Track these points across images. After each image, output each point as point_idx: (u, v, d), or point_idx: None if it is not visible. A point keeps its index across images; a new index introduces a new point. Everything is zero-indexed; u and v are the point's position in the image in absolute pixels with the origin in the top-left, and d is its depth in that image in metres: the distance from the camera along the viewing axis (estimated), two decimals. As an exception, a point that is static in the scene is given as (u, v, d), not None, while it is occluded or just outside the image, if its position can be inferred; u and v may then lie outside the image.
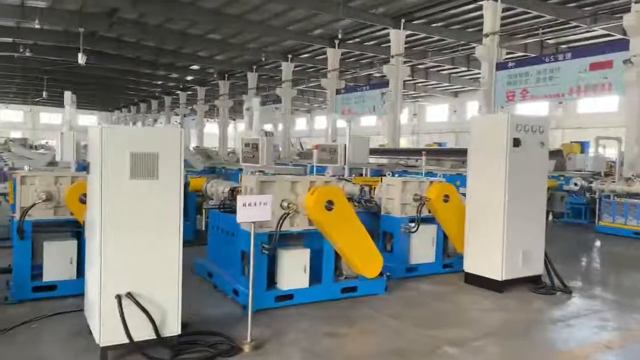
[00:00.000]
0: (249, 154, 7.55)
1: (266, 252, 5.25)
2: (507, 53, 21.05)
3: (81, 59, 24.14)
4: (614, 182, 12.07)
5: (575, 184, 12.71)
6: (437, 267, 7.23)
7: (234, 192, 6.07)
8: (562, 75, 15.95)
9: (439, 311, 5.81)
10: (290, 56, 27.54)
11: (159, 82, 39.55)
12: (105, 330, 3.98)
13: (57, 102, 49.55)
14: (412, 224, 6.84)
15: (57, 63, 29.02)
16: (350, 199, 7.72)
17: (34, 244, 5.60)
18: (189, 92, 41.15)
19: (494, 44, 17.62)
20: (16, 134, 48.79)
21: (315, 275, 5.76)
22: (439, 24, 21.32)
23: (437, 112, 41.59)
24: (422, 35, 22.42)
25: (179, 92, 41.49)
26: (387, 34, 21.51)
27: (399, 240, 6.93)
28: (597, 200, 12.22)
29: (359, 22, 21.30)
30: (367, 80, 30.41)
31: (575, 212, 13.28)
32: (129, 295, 3.99)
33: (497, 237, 6.47)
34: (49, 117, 56.45)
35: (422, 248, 7.07)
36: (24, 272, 5.46)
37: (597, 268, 9.21)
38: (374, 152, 21.41)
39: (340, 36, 22.42)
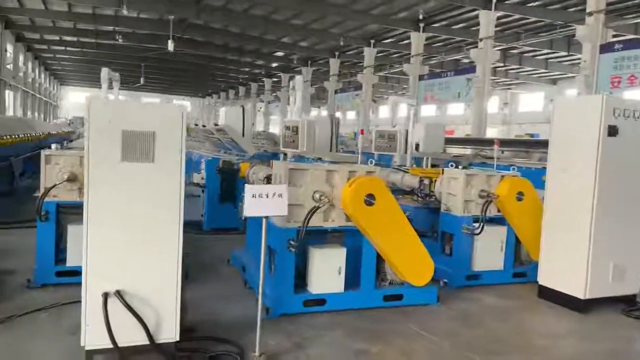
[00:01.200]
0: (289, 139, 6.86)
1: (293, 249, 4.59)
2: (614, 35, 18.68)
3: (170, 45, 24.98)
4: None
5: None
6: (505, 275, 6.19)
7: (269, 180, 5.45)
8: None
9: (501, 332, 4.83)
10: (372, 41, 26.57)
11: (246, 69, 40.12)
12: (91, 331, 3.52)
13: (155, 88, 52.37)
14: (476, 225, 5.87)
15: (151, 49, 30.12)
16: (410, 192, 6.89)
17: (60, 226, 5.37)
18: (274, 79, 41.39)
19: (599, 23, 15.61)
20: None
21: (354, 278, 5.02)
22: (535, 3, 19.38)
23: (531, 101, 38.66)
24: (516, 16, 20.56)
25: (264, 79, 41.88)
26: (477, 16, 19.91)
27: (460, 242, 5.98)
28: None
29: (446, 3, 19.91)
30: (455, 65, 28.65)
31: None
32: (118, 293, 3.50)
33: (582, 245, 5.36)
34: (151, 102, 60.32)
35: (487, 253, 6.07)
36: (47, 256, 5.23)
37: None
38: (454, 141, 20.02)
39: (421, 17, 21.19)
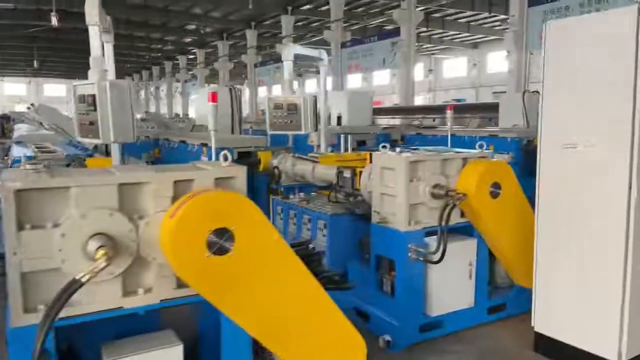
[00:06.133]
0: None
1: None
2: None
3: (54, 20, 20.46)
4: None
5: None
6: (478, 314, 4.12)
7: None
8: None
9: None
10: (290, 8, 24.54)
11: (157, 46, 36.36)
12: None
13: (55, 73, 45.49)
14: (430, 241, 3.77)
15: (38, 25, 25.56)
16: (329, 187, 4.81)
17: None
18: (190, 56, 38.04)
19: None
20: (21, 108, 45.23)
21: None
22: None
23: (455, 66, 38.61)
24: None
25: (178, 56, 38.28)
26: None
27: (406, 273, 3.74)
28: None
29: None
30: (378, 31, 27.77)
31: None
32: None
33: (612, 274, 3.16)
34: (55, 88, 50.61)
35: (451, 284, 3.94)
36: None
37: None
38: (383, 111, 18.51)
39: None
